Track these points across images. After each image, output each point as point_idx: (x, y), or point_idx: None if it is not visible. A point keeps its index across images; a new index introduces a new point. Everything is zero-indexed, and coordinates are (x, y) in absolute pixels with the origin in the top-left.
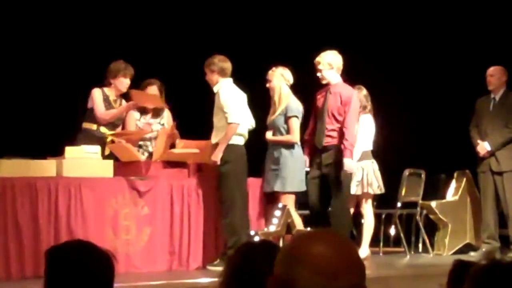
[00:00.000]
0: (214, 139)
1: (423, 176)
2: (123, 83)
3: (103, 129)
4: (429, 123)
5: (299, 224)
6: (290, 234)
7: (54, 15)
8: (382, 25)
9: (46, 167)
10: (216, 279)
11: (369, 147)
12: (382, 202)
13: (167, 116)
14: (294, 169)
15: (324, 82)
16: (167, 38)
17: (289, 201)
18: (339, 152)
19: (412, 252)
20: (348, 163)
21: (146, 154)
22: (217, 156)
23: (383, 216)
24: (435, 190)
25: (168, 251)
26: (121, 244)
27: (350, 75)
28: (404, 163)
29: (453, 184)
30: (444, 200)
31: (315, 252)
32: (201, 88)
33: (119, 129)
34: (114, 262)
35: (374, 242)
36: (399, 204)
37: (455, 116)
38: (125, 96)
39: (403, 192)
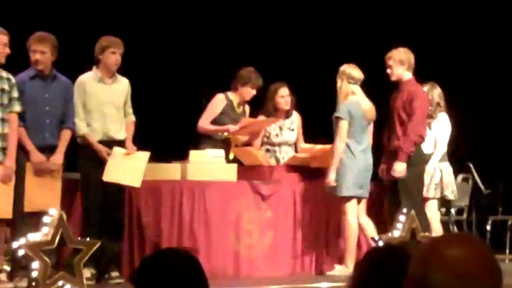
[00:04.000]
0: (123, 134)
1: None
2: (249, 93)
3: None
4: None
5: (371, 229)
6: (415, 239)
7: (181, 20)
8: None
9: (171, 171)
10: (337, 284)
11: (445, 148)
12: (508, 207)
13: (297, 119)
14: (349, 173)
15: (393, 79)
16: (291, 40)
17: (348, 206)
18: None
19: None
20: (399, 168)
21: (273, 159)
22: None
23: (510, 222)
24: None
25: (290, 255)
26: (243, 247)
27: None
28: None
29: None
30: None
31: (451, 254)
32: (324, 91)
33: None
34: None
35: (499, 249)
36: None
37: None
38: (249, 102)
39: None
